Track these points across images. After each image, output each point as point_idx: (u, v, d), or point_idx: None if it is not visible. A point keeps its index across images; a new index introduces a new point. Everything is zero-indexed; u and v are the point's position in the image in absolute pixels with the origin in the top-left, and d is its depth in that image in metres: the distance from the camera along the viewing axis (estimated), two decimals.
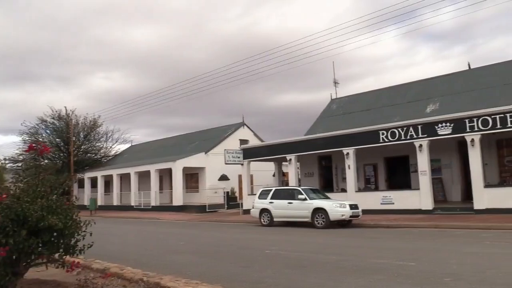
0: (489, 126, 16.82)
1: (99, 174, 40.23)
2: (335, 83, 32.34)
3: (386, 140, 19.46)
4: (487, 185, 17.27)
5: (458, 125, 17.50)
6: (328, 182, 25.76)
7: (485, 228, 13.36)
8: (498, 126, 16.66)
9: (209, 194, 30.91)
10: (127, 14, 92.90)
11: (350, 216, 15.96)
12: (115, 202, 37.91)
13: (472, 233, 12.45)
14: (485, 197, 16.75)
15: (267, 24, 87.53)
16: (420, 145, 18.38)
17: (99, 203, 38.12)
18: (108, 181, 39.75)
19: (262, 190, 19.32)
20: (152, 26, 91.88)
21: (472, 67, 25.61)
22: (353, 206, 16.19)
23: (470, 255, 8.14)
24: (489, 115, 16.86)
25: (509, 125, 16.41)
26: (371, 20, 52.63)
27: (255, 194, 20.43)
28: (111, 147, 48.93)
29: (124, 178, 38.07)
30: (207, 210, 28.94)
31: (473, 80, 23.35)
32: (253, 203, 19.12)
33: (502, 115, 16.57)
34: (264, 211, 18.21)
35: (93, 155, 47.25)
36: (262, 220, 18.23)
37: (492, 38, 76.15)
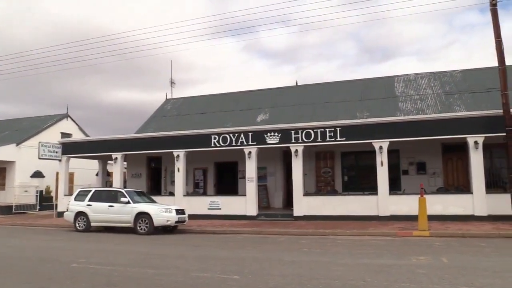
0: (311, 139, 18.04)
1: None
2: (172, 83, 31.46)
3: (218, 145, 19.35)
4: (306, 194, 18.46)
5: (285, 135, 18.35)
6: (156, 185, 24.62)
7: (303, 234, 14.05)
8: (319, 139, 17.98)
9: (19, 192, 26.69)
10: None
11: (176, 222, 15.19)
12: None
13: (292, 239, 12.89)
14: (303, 204, 17.85)
15: (107, 15, 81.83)
16: (249, 152, 18.73)
17: None
18: None
19: (80, 191, 17.23)
20: None
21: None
22: (180, 211, 15.47)
23: (291, 265, 8.10)
24: (312, 129, 18.09)
25: (328, 139, 17.86)
26: (214, 27, 53.34)
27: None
28: None
29: None
30: (13, 211, 24.93)
31: (299, 95, 25.12)
32: (68, 205, 16.90)
33: (322, 130, 17.94)
34: (80, 214, 16.17)
35: None
36: (77, 225, 16.16)
37: (315, 63, 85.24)
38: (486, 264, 7.88)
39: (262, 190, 21.47)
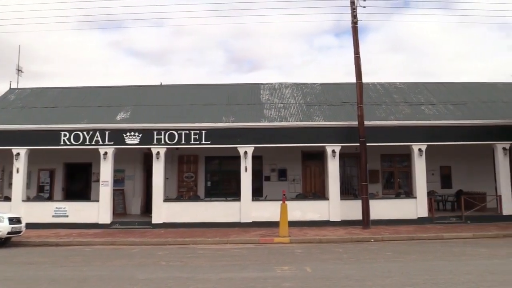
0: (175, 141, 17.07)
1: None
2: (19, 70, 27.32)
3: (69, 143, 17.14)
4: (166, 199, 17.35)
5: (147, 136, 17.07)
6: None
7: (161, 244, 12.95)
8: (183, 142, 17.12)
9: None
10: None
11: (9, 233, 12.76)
12: None
13: (148, 250, 11.69)
14: (163, 211, 16.71)
15: None
16: (105, 153, 16.94)
17: None
18: None
19: None
20: None
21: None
22: (15, 220, 13.05)
23: (145, 284, 7.02)
24: (176, 130, 17.15)
25: (192, 142, 17.09)
26: (78, 17, 48.63)
27: None
28: None
29: None
30: None
31: (165, 96, 23.79)
32: None
33: (187, 132, 17.13)
34: None
35: None
36: None
37: (184, 68, 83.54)
38: (348, 272, 7.85)
39: (119, 195, 19.68)
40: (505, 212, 17.21)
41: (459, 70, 60.88)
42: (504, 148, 17.48)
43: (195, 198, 18.88)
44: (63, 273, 8.30)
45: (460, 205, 17.56)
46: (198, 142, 17.10)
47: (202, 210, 16.88)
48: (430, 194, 17.90)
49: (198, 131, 17.13)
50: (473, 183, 19.86)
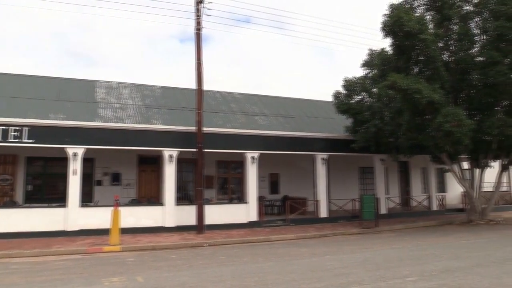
0: None
1: None
2: None
3: None
4: None
5: None
6: None
7: None
8: None
9: None
10: None
11: None
12: None
13: None
14: None
15: None
16: None
17: None
18: None
19: None
20: None
21: None
22: None
23: None
24: None
25: (11, 139, 15.03)
26: None
27: None
28: None
29: None
30: None
31: None
32: None
33: (4, 127, 15.04)
34: None
35: None
36: None
37: (11, 56, 72.87)
38: (181, 279, 7.77)
39: None
40: (321, 215, 19.45)
41: (290, 86, 66.93)
42: (322, 158, 19.73)
43: (11, 204, 16.59)
44: None
45: (285, 209, 19.15)
46: (18, 140, 15.09)
47: (20, 218, 14.89)
48: (260, 199, 19.10)
49: (18, 128, 15.13)
50: (297, 189, 21.96)
